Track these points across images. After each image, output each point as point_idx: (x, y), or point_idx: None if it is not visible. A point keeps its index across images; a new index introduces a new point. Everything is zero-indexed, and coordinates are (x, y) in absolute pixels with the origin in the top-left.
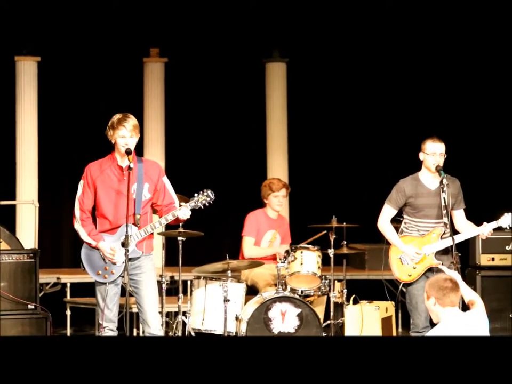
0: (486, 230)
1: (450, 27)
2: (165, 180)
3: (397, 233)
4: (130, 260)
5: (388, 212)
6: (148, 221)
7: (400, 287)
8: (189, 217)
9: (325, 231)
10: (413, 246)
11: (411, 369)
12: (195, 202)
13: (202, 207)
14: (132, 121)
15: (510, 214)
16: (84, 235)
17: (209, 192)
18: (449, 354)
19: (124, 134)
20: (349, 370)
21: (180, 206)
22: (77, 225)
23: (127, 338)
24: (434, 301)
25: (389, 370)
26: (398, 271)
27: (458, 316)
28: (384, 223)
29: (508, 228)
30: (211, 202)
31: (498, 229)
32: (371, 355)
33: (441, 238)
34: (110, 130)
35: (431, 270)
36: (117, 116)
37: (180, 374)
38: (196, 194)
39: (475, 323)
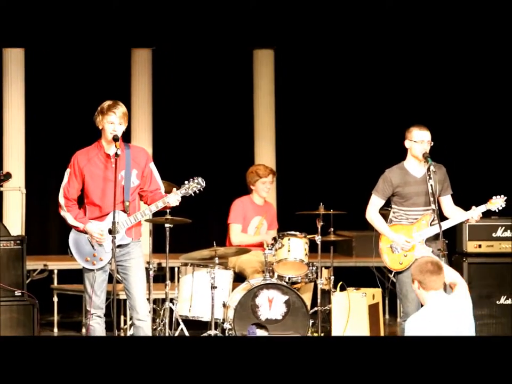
0: (475, 213)
1: (444, 19)
2: (152, 166)
3: (386, 222)
4: (119, 246)
5: (375, 202)
6: (136, 207)
7: (392, 276)
8: (178, 203)
9: (314, 236)
10: (402, 235)
11: (405, 370)
12: (186, 190)
13: (193, 194)
14: (121, 108)
15: (498, 196)
16: (70, 219)
17: (199, 179)
18: (448, 354)
19: (113, 120)
20: (343, 371)
21: (172, 192)
22: (63, 212)
23: (121, 338)
24: (418, 285)
25: (384, 372)
26: (389, 260)
27: (442, 300)
28: (372, 214)
29: (497, 210)
30: (201, 189)
31: (487, 214)
32: (365, 355)
33: (430, 225)
34: (98, 115)
35: None
36: (107, 102)
37: (175, 374)
38: (186, 182)
39: (459, 307)
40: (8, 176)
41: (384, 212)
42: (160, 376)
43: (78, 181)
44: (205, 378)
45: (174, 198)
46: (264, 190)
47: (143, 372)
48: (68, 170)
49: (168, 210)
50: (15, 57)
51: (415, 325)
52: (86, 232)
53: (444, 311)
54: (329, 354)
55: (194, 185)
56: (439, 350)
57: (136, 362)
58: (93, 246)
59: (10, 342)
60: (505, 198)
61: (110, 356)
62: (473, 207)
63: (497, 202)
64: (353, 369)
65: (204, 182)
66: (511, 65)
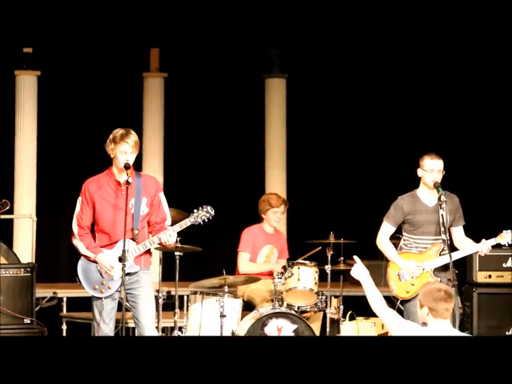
0: (484, 247)
1: (452, 42)
2: (161, 196)
3: (396, 250)
4: (128, 274)
5: (386, 229)
6: (146, 235)
7: (398, 304)
8: (173, 241)
9: (320, 248)
10: (413, 260)
11: (408, 370)
12: (195, 218)
13: (201, 223)
14: (134, 137)
15: (509, 231)
16: (82, 249)
17: (208, 208)
18: (448, 354)
19: (126, 150)
20: (345, 371)
21: (164, 232)
22: (75, 241)
23: (123, 338)
24: (427, 311)
25: (386, 371)
26: (396, 288)
27: (447, 330)
28: (383, 241)
29: (507, 245)
30: (210, 218)
31: (497, 246)
32: (368, 355)
33: (439, 255)
34: (111, 144)
35: None
36: (120, 131)
37: (177, 375)
38: (195, 210)
39: None
40: (5, 205)
41: (395, 241)
42: (162, 377)
43: (90, 208)
44: (207, 379)
45: (166, 235)
46: (275, 220)
47: (146, 373)
48: (80, 198)
49: (178, 238)
50: (27, 84)
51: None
52: (96, 262)
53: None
54: (329, 354)
55: (203, 213)
56: (438, 350)
57: (139, 363)
58: (101, 274)
59: (12, 343)
60: None
61: (113, 357)
62: (483, 240)
63: (507, 237)
64: (354, 369)
65: (213, 211)
66: None
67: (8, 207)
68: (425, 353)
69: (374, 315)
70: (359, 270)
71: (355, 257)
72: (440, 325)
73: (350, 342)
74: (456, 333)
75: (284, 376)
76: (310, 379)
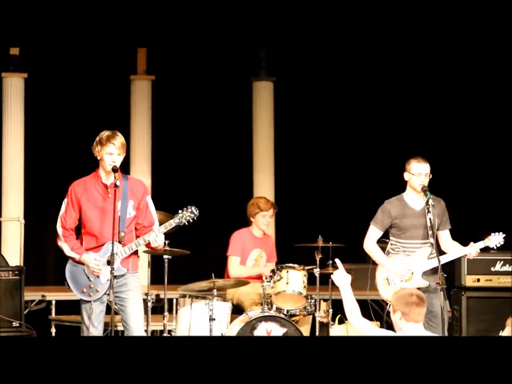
0: (473, 250)
1: (450, 46)
2: (149, 199)
3: (384, 253)
4: (115, 277)
5: (373, 233)
6: (133, 238)
7: (388, 307)
8: (161, 242)
9: (315, 267)
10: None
11: (404, 371)
12: (179, 219)
13: (186, 223)
14: (120, 139)
15: (496, 233)
16: (67, 250)
17: (193, 208)
18: (448, 354)
19: (112, 151)
20: (340, 371)
21: (150, 233)
22: (60, 242)
23: (117, 338)
24: (400, 315)
25: (382, 371)
26: (385, 292)
27: (420, 333)
28: (370, 245)
29: (495, 247)
30: (195, 218)
31: (485, 249)
32: (364, 355)
33: (428, 259)
34: (97, 146)
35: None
36: (106, 133)
37: (173, 375)
38: (179, 211)
39: None
40: None
41: (383, 245)
42: (158, 377)
43: (75, 210)
44: (204, 379)
45: (152, 236)
46: (264, 223)
47: (141, 373)
48: (65, 200)
49: (166, 242)
50: (14, 86)
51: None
52: (82, 263)
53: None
54: (328, 354)
55: (188, 214)
56: (438, 349)
57: (133, 363)
58: (88, 278)
59: (9, 343)
60: (504, 235)
61: (107, 357)
62: (472, 243)
63: (495, 239)
64: (352, 369)
65: (197, 211)
66: None
67: None
68: (425, 352)
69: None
70: (340, 275)
71: (337, 261)
72: (413, 328)
73: (343, 343)
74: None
75: (276, 376)
76: (303, 380)
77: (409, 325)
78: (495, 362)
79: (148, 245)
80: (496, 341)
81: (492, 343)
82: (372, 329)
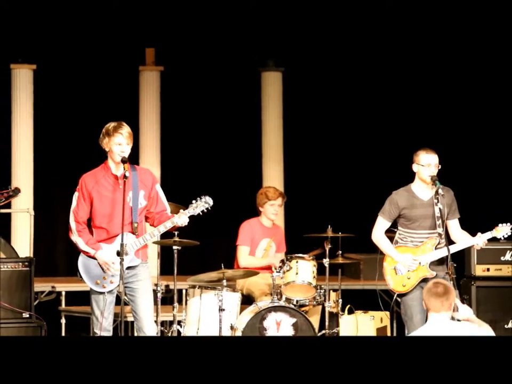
0: (480, 240)
1: (450, 42)
2: (158, 187)
3: (392, 243)
4: (128, 268)
5: (381, 224)
6: (144, 228)
7: (395, 297)
8: (187, 223)
9: (321, 249)
10: (409, 254)
11: (406, 371)
12: (193, 209)
13: (200, 213)
14: (127, 128)
15: (504, 224)
16: (82, 245)
17: (207, 198)
18: (448, 354)
19: (120, 141)
20: (345, 371)
21: (179, 213)
22: (74, 237)
23: (122, 339)
24: (424, 304)
25: (385, 371)
26: (393, 282)
27: (442, 322)
28: (378, 235)
29: (503, 238)
30: (209, 208)
31: (493, 239)
32: (367, 355)
33: (435, 248)
34: (105, 137)
35: (425, 280)
36: (112, 124)
37: (178, 375)
38: (193, 201)
39: (460, 332)
40: (17, 191)
41: (391, 234)
42: (163, 377)
43: (87, 203)
44: (208, 379)
45: (182, 219)
46: (273, 213)
47: (146, 373)
48: (76, 193)
49: (176, 233)
50: (24, 77)
51: None
52: (95, 258)
53: (441, 333)
54: (332, 354)
55: (202, 204)
56: (439, 349)
57: (139, 362)
58: (102, 269)
59: (13, 343)
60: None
61: (112, 357)
62: (479, 234)
63: (503, 230)
64: (355, 369)
65: (211, 201)
66: None
67: (20, 193)
68: (426, 352)
69: (372, 308)
70: None
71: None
72: (434, 318)
73: (348, 343)
74: (456, 326)
75: (285, 376)
76: (312, 380)
77: (430, 314)
78: (495, 362)
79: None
80: (496, 341)
81: (492, 343)
82: None
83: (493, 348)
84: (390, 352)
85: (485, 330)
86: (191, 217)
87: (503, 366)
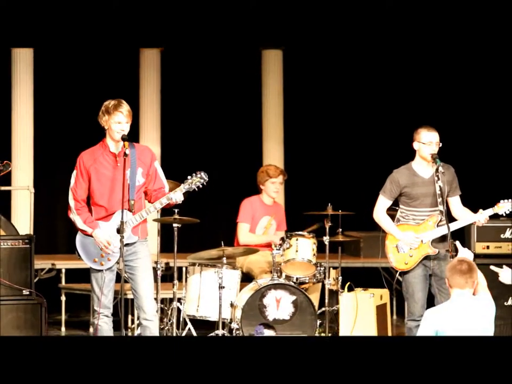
0: (482, 217)
1: (448, 23)
2: (157, 164)
3: (393, 221)
4: (126, 245)
5: (382, 202)
6: (142, 206)
7: (397, 275)
8: (182, 199)
9: (319, 224)
10: (411, 232)
11: (409, 370)
12: (189, 185)
13: (196, 189)
14: (126, 106)
15: (506, 200)
16: (80, 223)
17: (202, 173)
18: (449, 354)
19: (120, 120)
20: (348, 371)
21: (175, 190)
22: (72, 215)
23: (122, 338)
24: (447, 281)
25: (388, 371)
26: (395, 260)
27: (466, 299)
28: (380, 214)
29: (504, 214)
30: (205, 184)
31: (495, 216)
32: (367, 355)
33: (437, 226)
34: (104, 115)
35: (427, 258)
36: (112, 102)
37: (181, 374)
38: (189, 177)
39: (482, 310)
40: (7, 166)
41: (392, 212)
42: (166, 375)
43: (85, 181)
44: (210, 378)
45: (178, 194)
46: (274, 190)
47: (149, 371)
48: (74, 172)
49: (176, 210)
50: (23, 58)
51: (434, 315)
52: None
53: (465, 309)
54: (334, 354)
55: (197, 179)
56: (440, 349)
57: (142, 362)
58: (99, 247)
59: (15, 342)
60: None
61: (116, 356)
62: (481, 210)
63: (504, 207)
64: (359, 369)
65: (207, 176)
66: None
67: (10, 168)
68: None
69: (372, 286)
70: None
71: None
72: (458, 293)
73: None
74: (477, 302)
75: (288, 375)
76: (315, 379)
77: (454, 291)
78: (494, 361)
79: (166, 204)
80: (495, 341)
81: (491, 343)
82: None
83: (492, 347)
84: (390, 352)
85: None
86: (191, 195)
87: (503, 366)
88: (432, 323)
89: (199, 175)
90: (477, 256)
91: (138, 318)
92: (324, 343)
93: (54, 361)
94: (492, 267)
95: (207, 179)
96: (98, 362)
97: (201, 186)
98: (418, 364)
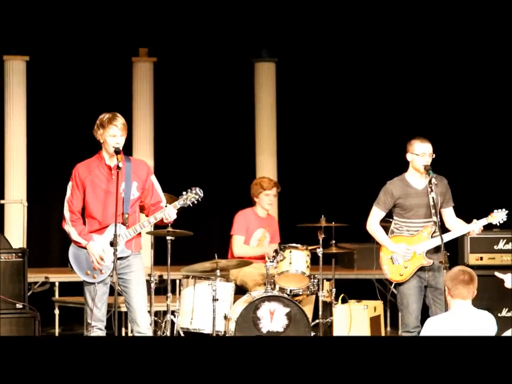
0: (476, 227)
1: (446, 27)
2: (153, 178)
3: (387, 233)
4: (119, 259)
5: (376, 214)
6: (137, 220)
7: (392, 287)
8: (175, 217)
9: (319, 247)
10: (403, 243)
11: (405, 371)
12: (184, 201)
13: (191, 205)
14: (121, 120)
15: (499, 210)
16: (74, 235)
17: (197, 189)
18: (444, 354)
19: (115, 133)
20: (340, 371)
21: (166, 206)
22: (67, 227)
23: (117, 338)
24: (447, 291)
25: (383, 372)
26: (390, 271)
27: (467, 310)
28: (373, 226)
29: (498, 224)
30: (200, 200)
31: (488, 227)
32: (362, 355)
33: (431, 237)
34: (99, 129)
35: (422, 269)
36: (106, 115)
37: (171, 374)
38: (184, 193)
39: (483, 322)
40: None
41: (386, 224)
42: (160, 377)
43: (80, 192)
44: (205, 379)
45: (168, 211)
46: (268, 203)
47: (143, 372)
48: (70, 183)
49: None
50: (16, 68)
51: (435, 325)
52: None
53: (465, 320)
54: (330, 354)
55: (192, 195)
56: (440, 350)
57: (136, 362)
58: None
59: (10, 343)
60: (507, 211)
61: (109, 357)
62: (474, 220)
63: (498, 216)
64: (354, 369)
65: (202, 192)
66: None
67: None
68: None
69: (366, 298)
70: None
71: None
72: (459, 304)
73: (341, 342)
74: (478, 314)
75: (284, 376)
76: (310, 380)
77: (456, 301)
78: (494, 362)
79: (159, 221)
80: (495, 341)
81: (491, 343)
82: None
83: (493, 347)
84: (389, 352)
85: None
86: (184, 208)
87: (503, 366)
88: (434, 333)
89: (194, 191)
90: (470, 267)
91: (132, 331)
92: (320, 343)
93: (48, 362)
94: (497, 273)
95: (202, 195)
96: (94, 363)
97: (196, 202)
98: (418, 363)
